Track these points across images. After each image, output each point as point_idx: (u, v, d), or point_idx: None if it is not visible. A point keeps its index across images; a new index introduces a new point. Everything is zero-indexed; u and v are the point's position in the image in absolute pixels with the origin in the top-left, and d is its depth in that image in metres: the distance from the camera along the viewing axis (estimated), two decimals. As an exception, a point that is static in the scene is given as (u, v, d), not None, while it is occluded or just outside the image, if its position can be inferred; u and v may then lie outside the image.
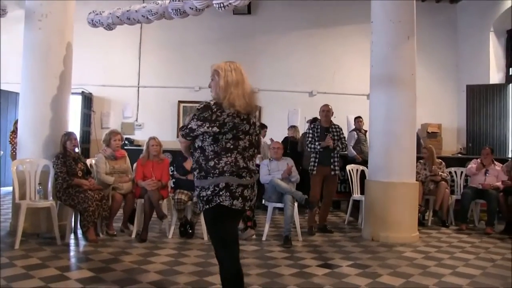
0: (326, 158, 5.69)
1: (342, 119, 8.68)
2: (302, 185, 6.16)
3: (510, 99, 9.02)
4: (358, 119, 7.94)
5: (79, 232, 5.10)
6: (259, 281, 3.56)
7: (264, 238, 5.16)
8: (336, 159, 5.75)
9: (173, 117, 9.75)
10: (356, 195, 6.55)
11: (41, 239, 4.82)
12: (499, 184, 6.31)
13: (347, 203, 6.91)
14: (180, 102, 9.72)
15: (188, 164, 5.31)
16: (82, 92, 9.23)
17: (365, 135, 7.76)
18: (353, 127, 8.19)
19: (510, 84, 9.11)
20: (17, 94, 6.86)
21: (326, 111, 5.88)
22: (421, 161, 6.78)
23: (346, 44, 9.93)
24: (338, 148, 5.75)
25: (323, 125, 5.87)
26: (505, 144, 8.91)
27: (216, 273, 3.72)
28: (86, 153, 8.95)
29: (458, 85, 9.97)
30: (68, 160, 4.94)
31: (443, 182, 6.63)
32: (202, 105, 2.38)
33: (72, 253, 4.47)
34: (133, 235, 5.13)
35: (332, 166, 5.71)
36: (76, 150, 5.20)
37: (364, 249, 4.86)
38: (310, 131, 5.87)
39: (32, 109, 5.21)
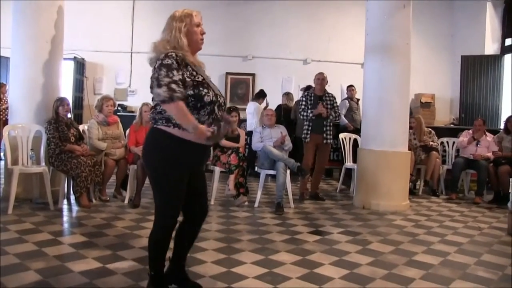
0: (319, 127, 5.70)
1: (336, 88, 8.64)
2: (295, 153, 6.19)
3: (504, 71, 8.99)
4: (350, 88, 7.93)
5: (72, 197, 5.12)
6: (250, 246, 3.62)
7: (256, 205, 5.22)
8: (328, 128, 5.76)
9: (166, 84, 9.65)
10: (349, 164, 6.59)
11: (34, 204, 4.84)
12: (489, 154, 6.38)
13: (339, 171, 6.97)
14: (173, 68, 9.60)
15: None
16: (75, 57, 9.07)
17: (357, 104, 7.76)
18: (346, 95, 8.18)
19: (505, 55, 9.06)
20: (7, 58, 6.71)
21: (321, 79, 5.85)
22: (410, 130, 6.79)
23: (342, 12, 9.77)
24: (331, 117, 5.76)
25: (316, 93, 5.85)
26: (497, 116, 8.93)
27: (206, 238, 3.80)
28: (78, 119, 8.88)
29: (452, 56, 9.89)
30: (61, 125, 4.89)
31: (434, 152, 6.69)
32: None
33: (65, 218, 4.50)
34: (126, 201, 5.16)
35: (324, 135, 5.72)
36: (69, 115, 5.15)
37: (355, 217, 4.93)
38: (304, 99, 5.86)
39: (23, 74, 5.10)
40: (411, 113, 7.81)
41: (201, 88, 2.30)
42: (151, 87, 2.25)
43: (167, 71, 2.20)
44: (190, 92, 2.27)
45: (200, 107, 2.31)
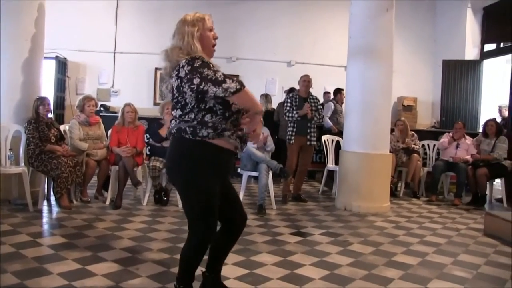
0: (303, 128, 5.73)
1: (320, 90, 8.69)
2: (278, 155, 6.22)
3: (483, 75, 9.18)
4: (340, 92, 7.90)
5: (52, 199, 5.06)
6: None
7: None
8: (312, 130, 5.80)
9: (149, 84, 9.57)
10: (331, 165, 6.65)
11: (12, 205, 4.76)
12: (468, 157, 6.50)
13: (322, 173, 7.02)
14: (157, 69, 9.51)
15: (163, 131, 5.27)
16: (56, 56, 8.93)
17: (341, 106, 7.83)
18: (330, 98, 8.26)
19: (484, 61, 9.25)
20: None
21: (307, 81, 5.90)
22: (394, 133, 6.89)
23: (327, 15, 9.83)
24: (315, 119, 5.80)
25: (301, 95, 5.89)
26: (477, 119, 9.11)
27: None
28: (60, 119, 8.76)
29: (434, 60, 10.04)
30: (41, 125, 4.83)
31: (415, 154, 6.79)
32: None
33: (44, 220, 4.44)
34: (107, 202, 5.12)
35: (308, 136, 5.76)
36: (49, 115, 5.09)
37: (336, 218, 4.97)
38: (289, 100, 5.89)
39: (1, 72, 5.01)
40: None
41: (227, 113, 2.19)
42: (199, 91, 2.07)
43: (210, 69, 2.09)
44: (219, 100, 2.15)
45: (228, 116, 2.18)
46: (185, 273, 2.33)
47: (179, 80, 2.14)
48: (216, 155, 2.19)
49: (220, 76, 2.06)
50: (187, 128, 2.15)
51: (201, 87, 2.05)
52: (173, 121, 2.27)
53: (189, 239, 2.30)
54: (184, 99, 2.17)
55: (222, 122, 2.17)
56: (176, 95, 2.21)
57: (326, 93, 8.69)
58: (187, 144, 2.17)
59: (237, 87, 2.05)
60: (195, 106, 2.16)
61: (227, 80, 2.05)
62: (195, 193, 2.20)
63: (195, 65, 2.10)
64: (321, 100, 8.11)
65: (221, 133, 2.16)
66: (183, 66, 2.12)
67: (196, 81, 2.06)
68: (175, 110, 2.25)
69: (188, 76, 2.09)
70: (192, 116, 2.17)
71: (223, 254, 2.50)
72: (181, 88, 2.15)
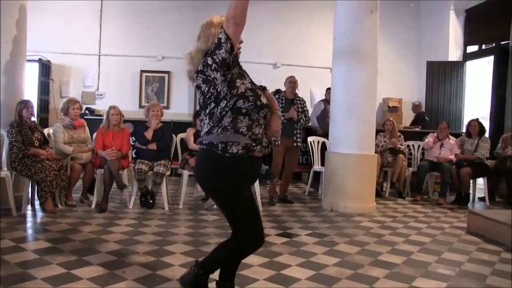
0: (289, 130, 5.75)
1: (306, 92, 8.73)
2: (264, 157, 6.21)
3: (466, 77, 9.33)
4: (329, 90, 7.88)
5: (37, 203, 4.97)
6: (219, 249, 3.62)
7: (225, 209, 5.21)
8: (299, 131, 5.83)
9: (135, 87, 9.51)
10: (317, 167, 6.68)
11: (-5, 210, 4.69)
12: (452, 157, 6.59)
13: (308, 175, 7.04)
14: (142, 71, 9.47)
15: (149, 134, 5.25)
16: (40, 59, 8.82)
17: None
18: (317, 100, 8.25)
19: (467, 62, 9.40)
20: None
21: (293, 82, 5.92)
22: (381, 133, 6.97)
23: (312, 17, 9.89)
24: (302, 121, 5.83)
25: (288, 97, 5.91)
26: (460, 119, 9.25)
27: (174, 241, 3.79)
28: (44, 122, 8.64)
29: (419, 61, 10.16)
30: (24, 129, 4.77)
31: (400, 155, 6.86)
32: None
33: (28, 224, 4.37)
34: (93, 206, 5.07)
35: (294, 138, 5.78)
36: (33, 119, 5.02)
37: (323, 219, 5.00)
38: (275, 102, 5.88)
39: (-17, 74, 4.96)
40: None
41: (258, 102, 2.20)
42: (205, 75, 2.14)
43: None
44: (251, 102, 2.16)
45: (260, 106, 2.20)
46: (210, 264, 2.35)
47: (204, 68, 2.15)
48: (247, 166, 2.23)
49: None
50: (219, 144, 2.14)
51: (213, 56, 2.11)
52: (203, 126, 2.25)
53: (231, 241, 2.29)
54: (216, 88, 2.15)
55: (254, 110, 2.17)
56: (206, 89, 2.17)
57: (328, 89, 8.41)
58: (217, 158, 2.16)
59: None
60: (228, 93, 2.14)
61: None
62: (237, 206, 2.21)
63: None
64: (316, 100, 8.08)
65: (251, 150, 2.19)
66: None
67: (209, 60, 2.12)
68: (204, 111, 2.23)
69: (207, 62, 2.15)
70: (226, 110, 2.14)
71: (239, 261, 2.48)
72: (209, 77, 2.14)
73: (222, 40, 2.10)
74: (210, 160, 2.20)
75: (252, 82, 2.25)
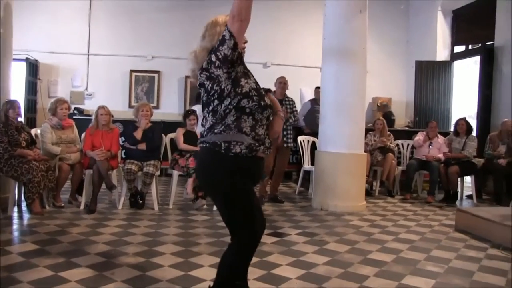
0: (279, 130, 5.74)
1: (296, 91, 8.75)
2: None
3: (453, 76, 9.41)
4: (317, 89, 7.90)
5: (24, 204, 4.92)
6: (208, 249, 3.61)
7: (215, 208, 5.13)
8: (289, 131, 5.84)
9: (124, 87, 9.45)
10: (307, 166, 6.69)
11: (-19, 212, 4.63)
12: (440, 156, 6.65)
13: (298, 174, 7.05)
14: (132, 71, 9.41)
15: (139, 134, 5.22)
16: (27, 58, 8.72)
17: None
18: (307, 99, 8.26)
19: (454, 62, 9.49)
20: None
21: (283, 83, 5.93)
22: (371, 132, 7.01)
23: (302, 16, 9.90)
24: (290, 121, 5.84)
25: (277, 97, 5.90)
26: (448, 119, 9.33)
27: (164, 242, 3.77)
28: (32, 122, 8.54)
29: (407, 60, 10.23)
30: (10, 129, 4.71)
31: (390, 154, 6.89)
32: None
33: (15, 226, 4.31)
34: (82, 207, 5.02)
35: (285, 138, 5.79)
36: (20, 119, 4.96)
37: (313, 218, 5.01)
38: (264, 103, 5.89)
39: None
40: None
41: (262, 102, 2.18)
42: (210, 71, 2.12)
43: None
44: (255, 102, 2.15)
45: (263, 106, 2.18)
46: (225, 281, 2.25)
47: (208, 65, 2.13)
48: (250, 165, 2.19)
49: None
50: (222, 144, 2.12)
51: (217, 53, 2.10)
52: (206, 123, 2.22)
53: (233, 245, 2.25)
54: (220, 86, 2.12)
55: (258, 110, 2.16)
56: (210, 86, 2.14)
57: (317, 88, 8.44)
58: (220, 158, 2.13)
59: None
60: (232, 91, 2.12)
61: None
62: (236, 204, 2.19)
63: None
64: (306, 100, 8.11)
65: (254, 150, 2.15)
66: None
67: (213, 57, 2.11)
68: (207, 108, 2.20)
69: (209, 61, 2.14)
70: (230, 108, 2.12)
71: (249, 259, 2.39)
72: (212, 75, 2.12)
73: (226, 37, 2.10)
74: (213, 159, 2.18)
75: (256, 83, 2.25)
